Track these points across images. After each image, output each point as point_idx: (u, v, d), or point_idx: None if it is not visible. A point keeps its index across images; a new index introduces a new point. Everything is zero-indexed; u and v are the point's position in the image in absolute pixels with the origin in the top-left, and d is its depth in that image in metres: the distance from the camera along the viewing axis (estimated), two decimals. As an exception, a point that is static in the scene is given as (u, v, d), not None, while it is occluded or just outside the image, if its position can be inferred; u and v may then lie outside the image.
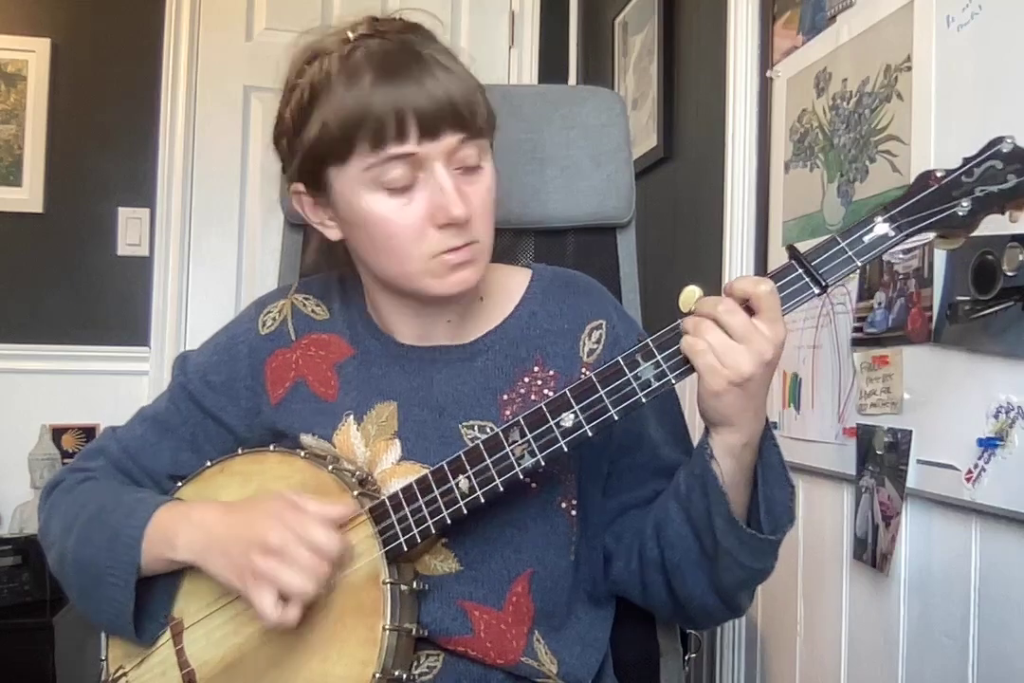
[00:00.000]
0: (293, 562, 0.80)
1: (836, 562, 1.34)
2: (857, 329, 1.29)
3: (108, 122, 2.54)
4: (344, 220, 0.89)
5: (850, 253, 0.75)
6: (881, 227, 0.75)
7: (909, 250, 1.17)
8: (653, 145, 2.16)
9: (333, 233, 0.92)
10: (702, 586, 0.88)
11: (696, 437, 1.01)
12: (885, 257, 1.21)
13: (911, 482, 1.15)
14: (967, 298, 1.04)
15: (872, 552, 1.24)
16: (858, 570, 1.30)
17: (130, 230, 2.55)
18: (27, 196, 2.48)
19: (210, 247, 2.62)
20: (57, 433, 2.43)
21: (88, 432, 2.46)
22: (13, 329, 2.46)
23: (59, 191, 2.51)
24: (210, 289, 2.61)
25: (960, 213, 0.74)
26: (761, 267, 1.62)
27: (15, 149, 2.48)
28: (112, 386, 2.47)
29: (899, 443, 1.17)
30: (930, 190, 0.75)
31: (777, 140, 1.58)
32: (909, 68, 1.19)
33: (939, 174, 0.75)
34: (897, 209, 0.75)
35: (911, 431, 1.16)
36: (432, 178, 0.83)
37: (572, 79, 2.79)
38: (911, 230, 0.75)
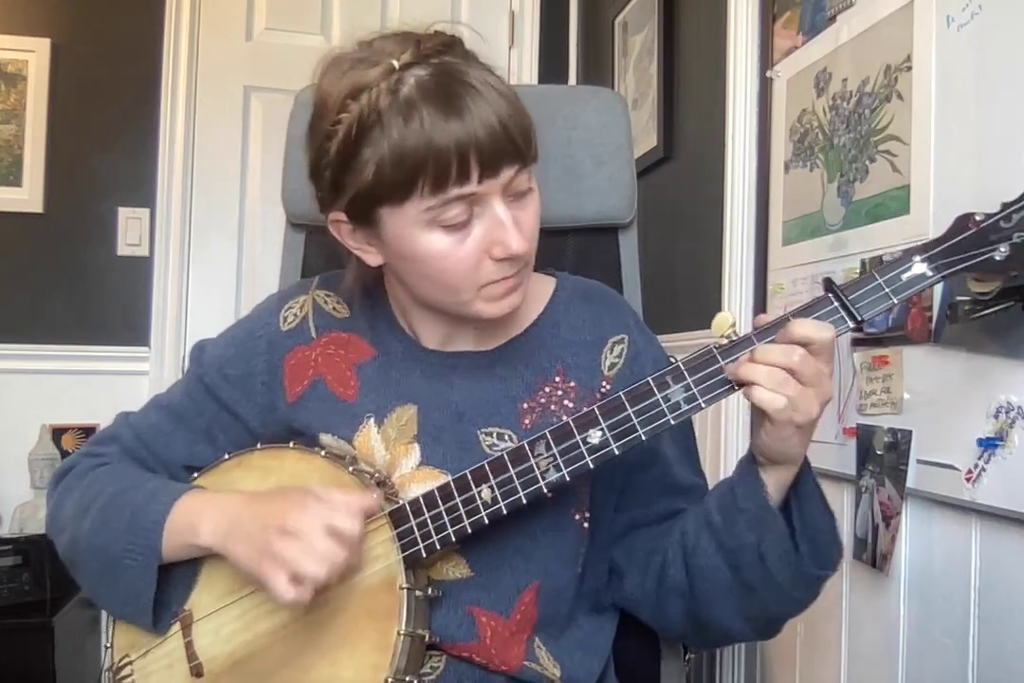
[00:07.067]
0: (309, 545, 0.79)
1: (836, 562, 1.34)
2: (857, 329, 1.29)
3: (108, 122, 2.53)
4: (393, 252, 0.86)
5: (887, 290, 0.76)
6: (919, 266, 0.76)
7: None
8: (653, 145, 2.16)
9: (373, 259, 0.89)
10: (729, 614, 0.88)
11: (708, 461, 1.01)
12: (886, 257, 1.21)
13: (911, 482, 1.15)
14: (967, 298, 1.04)
15: (872, 552, 1.24)
16: (858, 570, 1.30)
17: (130, 230, 2.55)
18: (27, 196, 2.48)
19: (210, 247, 2.62)
20: (57, 433, 2.43)
21: (88, 432, 2.45)
22: (13, 329, 2.46)
23: (59, 191, 2.51)
24: (210, 289, 2.61)
25: (997, 258, 0.75)
26: (761, 267, 1.61)
27: (15, 149, 2.48)
28: (112, 386, 2.47)
29: (899, 443, 1.17)
30: (968, 233, 0.76)
31: (777, 140, 1.58)
32: (909, 68, 1.19)
33: (978, 218, 0.76)
34: (935, 250, 0.76)
35: (911, 431, 1.16)
36: (490, 212, 0.82)
37: (572, 79, 2.79)
38: (948, 272, 0.76)
